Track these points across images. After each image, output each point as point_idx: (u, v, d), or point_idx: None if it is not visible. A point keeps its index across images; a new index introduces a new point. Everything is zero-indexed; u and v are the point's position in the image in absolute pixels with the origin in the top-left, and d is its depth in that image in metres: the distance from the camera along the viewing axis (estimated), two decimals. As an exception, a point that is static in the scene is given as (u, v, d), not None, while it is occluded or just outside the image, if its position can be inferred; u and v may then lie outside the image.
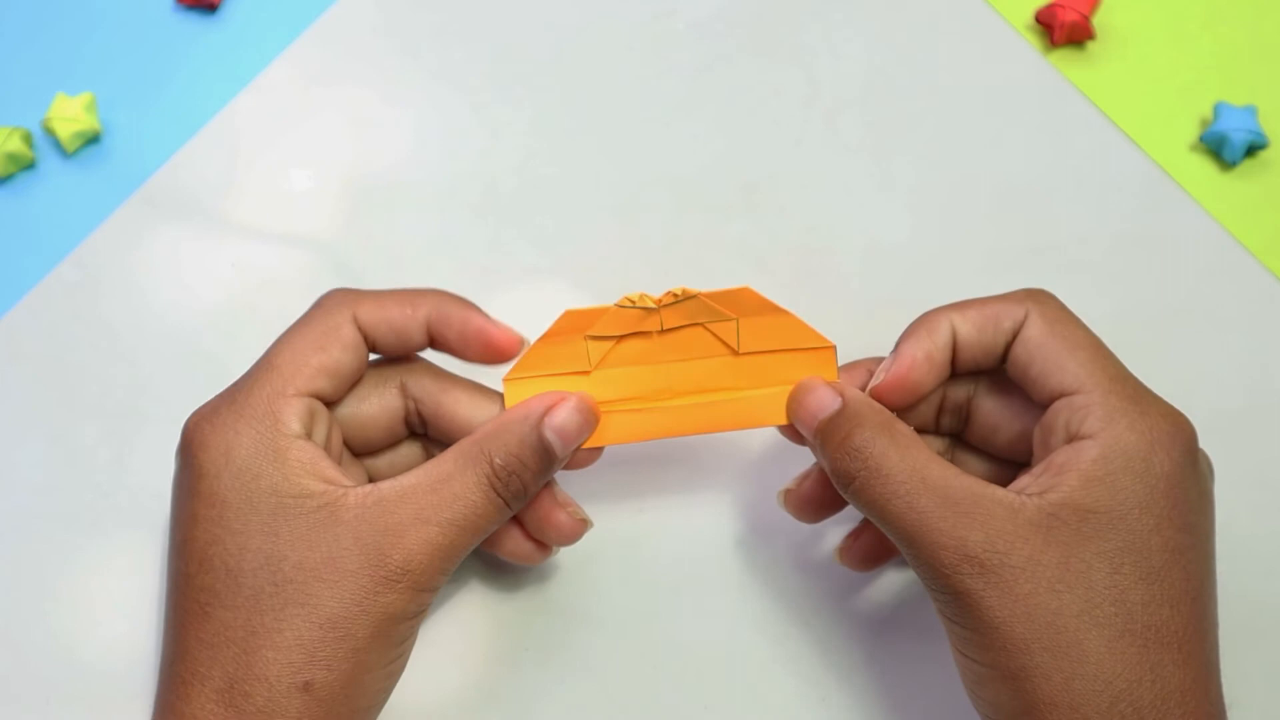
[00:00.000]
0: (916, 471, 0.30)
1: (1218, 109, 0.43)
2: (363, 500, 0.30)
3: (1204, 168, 0.44)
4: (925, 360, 0.32)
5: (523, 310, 0.42)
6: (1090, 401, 0.30)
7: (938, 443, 0.36)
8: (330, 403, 0.33)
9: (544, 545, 0.35)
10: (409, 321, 0.33)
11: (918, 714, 0.36)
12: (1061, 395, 0.31)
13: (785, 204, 0.43)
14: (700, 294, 0.33)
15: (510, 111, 0.45)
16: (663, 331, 0.34)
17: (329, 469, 0.31)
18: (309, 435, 0.31)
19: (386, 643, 0.30)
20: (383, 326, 0.33)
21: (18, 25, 0.46)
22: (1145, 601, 0.28)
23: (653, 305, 0.33)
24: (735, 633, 0.37)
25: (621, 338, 0.34)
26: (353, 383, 0.34)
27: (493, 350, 0.34)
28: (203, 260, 0.42)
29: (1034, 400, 0.32)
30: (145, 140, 0.44)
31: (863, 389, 0.33)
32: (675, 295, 0.33)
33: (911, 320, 0.34)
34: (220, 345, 0.41)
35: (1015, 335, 0.32)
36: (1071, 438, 0.30)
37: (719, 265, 0.42)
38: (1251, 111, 0.43)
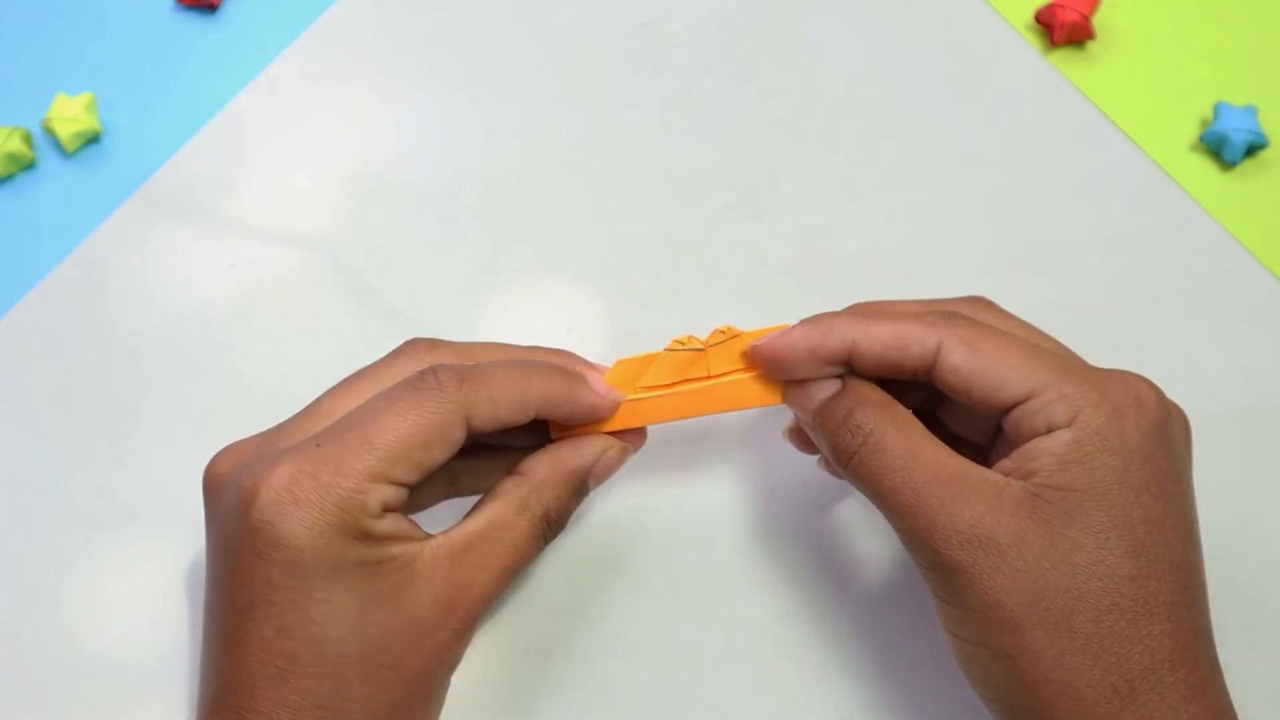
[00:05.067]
0: (912, 448, 0.31)
1: (1218, 109, 0.43)
2: (436, 554, 0.31)
3: (1204, 168, 0.44)
4: (807, 352, 0.33)
5: (523, 310, 0.42)
6: (1045, 402, 0.30)
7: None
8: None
9: None
10: (517, 417, 0.33)
11: (917, 714, 0.36)
12: (1014, 405, 0.31)
13: (785, 204, 0.43)
14: (744, 333, 0.34)
15: (511, 111, 0.45)
16: (710, 377, 0.34)
17: (407, 529, 0.31)
18: (392, 509, 0.31)
19: (448, 679, 0.32)
20: (491, 425, 0.32)
21: (18, 25, 0.46)
22: (1132, 575, 0.29)
23: (700, 346, 0.34)
24: (735, 633, 0.37)
25: (672, 385, 0.34)
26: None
27: (599, 421, 0.34)
28: (203, 260, 0.42)
29: (991, 416, 0.32)
30: (145, 140, 0.44)
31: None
32: (722, 333, 0.34)
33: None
34: (221, 345, 0.41)
35: (933, 362, 0.31)
36: (1040, 434, 0.30)
37: (718, 265, 0.42)
38: (1251, 111, 0.43)
